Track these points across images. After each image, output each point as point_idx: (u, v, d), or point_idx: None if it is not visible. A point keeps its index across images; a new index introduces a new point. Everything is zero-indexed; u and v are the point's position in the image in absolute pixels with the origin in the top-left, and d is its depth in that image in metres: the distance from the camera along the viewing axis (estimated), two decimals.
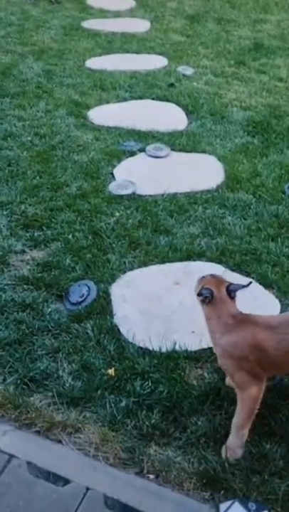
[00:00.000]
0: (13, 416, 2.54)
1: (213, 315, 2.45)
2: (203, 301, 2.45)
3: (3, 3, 8.21)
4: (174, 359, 2.84)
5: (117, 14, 8.09)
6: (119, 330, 3.00)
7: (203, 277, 2.57)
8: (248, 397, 2.39)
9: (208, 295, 2.42)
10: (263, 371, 2.40)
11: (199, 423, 2.53)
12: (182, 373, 2.77)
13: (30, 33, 7.17)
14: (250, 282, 2.55)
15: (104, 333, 2.97)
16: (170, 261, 3.49)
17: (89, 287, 3.23)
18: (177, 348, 2.89)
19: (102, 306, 3.15)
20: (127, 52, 6.75)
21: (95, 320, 3.06)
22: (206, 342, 2.90)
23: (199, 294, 2.44)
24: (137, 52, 6.74)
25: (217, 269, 3.36)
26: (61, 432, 2.49)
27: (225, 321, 2.41)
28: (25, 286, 3.29)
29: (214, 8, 8.41)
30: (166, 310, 3.16)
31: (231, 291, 2.44)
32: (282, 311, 3.15)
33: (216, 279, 2.52)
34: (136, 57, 6.60)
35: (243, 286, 2.49)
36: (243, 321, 2.42)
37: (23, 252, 3.56)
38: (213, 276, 2.57)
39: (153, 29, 7.55)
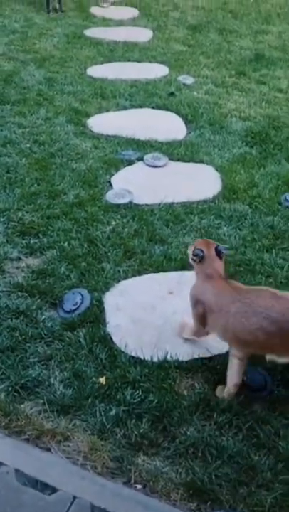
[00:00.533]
0: (3, 423, 2.55)
1: (201, 269, 2.81)
2: (194, 260, 2.81)
3: (8, 10, 8.26)
4: (165, 369, 2.85)
5: (120, 23, 8.13)
6: (111, 338, 3.01)
7: (196, 240, 3.01)
8: (193, 328, 2.90)
9: (200, 254, 2.77)
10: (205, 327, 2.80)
11: (188, 433, 2.54)
12: (173, 383, 2.78)
13: (33, 41, 7.22)
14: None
15: (97, 342, 2.99)
16: (164, 270, 3.51)
17: (82, 295, 3.25)
18: (169, 357, 2.90)
19: (96, 315, 3.16)
20: (129, 60, 6.80)
21: (88, 328, 3.07)
22: (198, 352, 2.93)
23: (195, 254, 2.79)
24: (139, 61, 6.79)
25: None
26: (50, 440, 2.50)
27: (209, 273, 2.77)
28: (19, 293, 3.30)
29: (216, 19, 8.46)
30: (160, 319, 3.18)
31: (219, 251, 2.81)
32: None
33: (206, 241, 2.93)
34: (137, 66, 6.64)
35: (227, 249, 2.96)
36: (221, 278, 2.77)
37: (19, 259, 3.58)
38: (203, 239, 3.02)
39: (155, 38, 7.60)
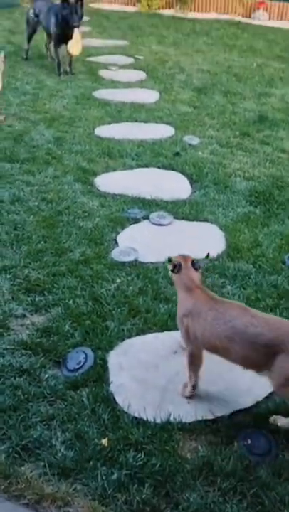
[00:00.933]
0: (3, 487, 2.51)
1: (179, 280, 3.05)
2: (172, 271, 3.06)
3: (20, 73, 8.58)
4: (168, 430, 2.81)
5: (128, 85, 8.41)
6: (114, 399, 2.99)
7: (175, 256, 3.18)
8: (187, 353, 2.99)
9: (179, 264, 3.04)
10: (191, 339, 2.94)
11: (191, 499, 2.49)
12: (176, 445, 2.75)
13: (43, 102, 7.47)
14: (208, 253, 3.47)
15: (100, 402, 2.96)
16: (169, 329, 3.51)
17: (86, 354, 3.25)
18: (172, 419, 2.87)
19: (99, 374, 3.15)
20: (136, 121, 7.00)
21: (91, 388, 3.05)
22: (201, 414, 2.90)
23: (173, 265, 3.05)
24: (145, 122, 6.98)
25: None
26: (50, 505, 2.45)
27: (186, 283, 3.01)
28: (23, 351, 3.31)
29: (221, 81, 8.75)
30: (163, 379, 3.16)
31: (195, 263, 3.09)
32: None
33: (183, 256, 3.15)
34: (144, 127, 6.83)
35: (204, 259, 3.32)
36: (198, 288, 3.00)
37: (24, 316, 3.60)
38: (180, 254, 3.18)
39: (162, 100, 7.84)
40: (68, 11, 8.05)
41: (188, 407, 2.95)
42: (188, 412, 2.92)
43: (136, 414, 2.90)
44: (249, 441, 2.76)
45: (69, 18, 8.08)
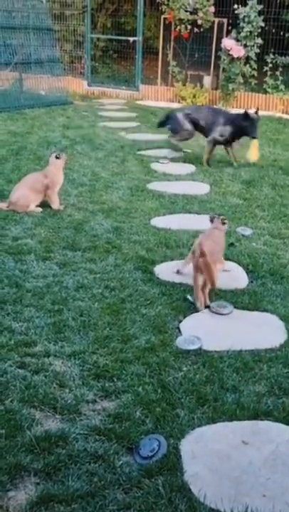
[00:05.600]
0: None
1: (214, 226, 5.41)
2: (211, 221, 5.47)
3: (76, 166, 9.11)
4: None
5: (179, 178, 8.82)
6: (190, 488, 3.02)
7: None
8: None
9: (214, 218, 5.54)
10: None
11: None
12: None
13: (100, 193, 7.88)
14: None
15: (176, 491, 2.99)
16: (238, 419, 3.55)
17: (160, 442, 3.30)
18: None
19: (173, 462, 3.19)
20: (189, 212, 7.30)
21: (166, 476, 3.09)
22: (279, 507, 2.90)
23: (211, 218, 5.49)
24: (198, 213, 7.27)
25: (284, 431, 3.44)
26: None
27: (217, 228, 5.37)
28: (96, 436, 3.38)
29: (268, 175, 9.09)
30: (236, 470, 3.17)
31: (223, 221, 5.47)
32: None
33: (218, 216, 5.55)
34: (197, 218, 7.10)
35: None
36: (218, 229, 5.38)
37: (95, 401, 3.70)
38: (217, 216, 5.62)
39: (212, 192, 8.18)
40: (249, 124, 9.12)
41: (265, 500, 2.95)
42: (265, 506, 2.91)
43: (212, 506, 2.91)
44: None
45: (249, 130, 9.17)
